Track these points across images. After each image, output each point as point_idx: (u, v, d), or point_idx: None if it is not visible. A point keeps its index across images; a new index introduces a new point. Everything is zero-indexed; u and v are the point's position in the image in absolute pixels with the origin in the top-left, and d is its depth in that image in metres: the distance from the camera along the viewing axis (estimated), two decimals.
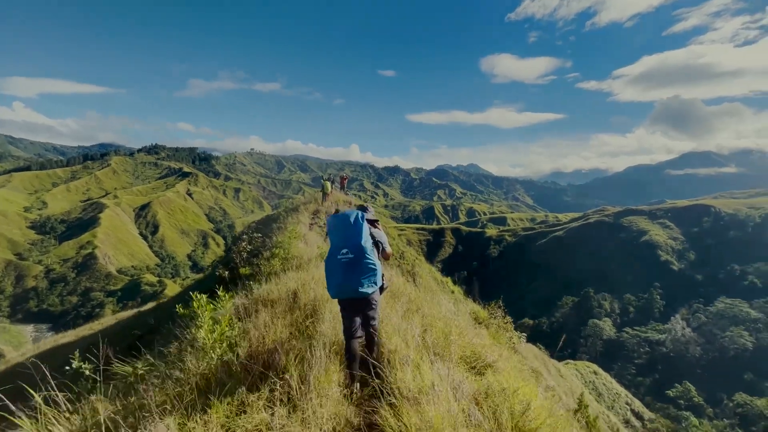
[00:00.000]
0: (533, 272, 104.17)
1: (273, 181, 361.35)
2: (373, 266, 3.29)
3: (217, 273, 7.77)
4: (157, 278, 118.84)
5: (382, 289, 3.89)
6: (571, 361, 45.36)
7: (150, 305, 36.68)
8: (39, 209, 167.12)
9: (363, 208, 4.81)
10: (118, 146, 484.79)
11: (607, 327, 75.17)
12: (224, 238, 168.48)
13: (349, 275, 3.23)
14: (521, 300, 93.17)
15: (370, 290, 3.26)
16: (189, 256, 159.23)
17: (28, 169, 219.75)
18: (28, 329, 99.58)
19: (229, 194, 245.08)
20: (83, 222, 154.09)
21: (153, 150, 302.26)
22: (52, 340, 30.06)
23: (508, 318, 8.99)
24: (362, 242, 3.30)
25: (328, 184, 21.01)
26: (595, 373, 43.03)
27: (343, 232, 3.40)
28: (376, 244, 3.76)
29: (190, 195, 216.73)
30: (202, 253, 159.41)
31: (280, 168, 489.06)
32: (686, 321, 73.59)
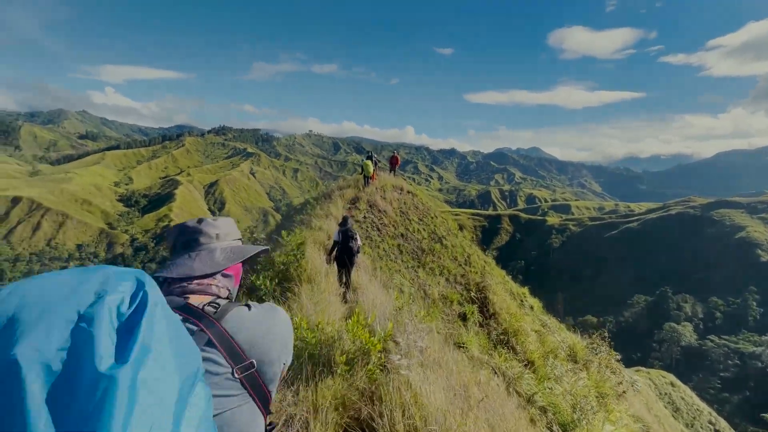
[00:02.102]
0: (600, 266, 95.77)
1: (329, 162, 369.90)
2: None
3: None
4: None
5: None
6: (643, 369, 40.72)
7: None
8: (126, 184, 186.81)
9: (345, 222, 6.64)
10: (191, 127, 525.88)
11: (687, 333, 66.80)
12: (282, 216, 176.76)
13: None
14: (584, 295, 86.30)
15: None
16: (251, 232, 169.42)
17: (117, 148, 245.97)
18: None
19: (288, 174, 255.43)
20: (161, 197, 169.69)
21: (221, 131, 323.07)
22: None
23: (614, 353, 6.97)
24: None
25: (370, 164, 16.36)
26: (672, 384, 38.16)
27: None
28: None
29: (253, 174, 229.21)
30: (263, 230, 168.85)
31: (337, 149, 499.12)
32: None
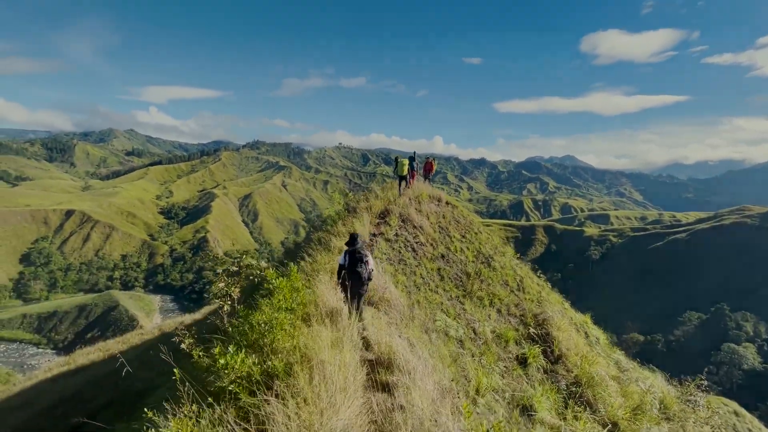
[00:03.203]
0: (644, 280, 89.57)
1: (358, 174, 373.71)
2: None
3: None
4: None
5: None
6: (701, 394, 36.97)
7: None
8: (167, 197, 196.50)
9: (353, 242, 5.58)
10: (227, 142, 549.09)
11: (749, 355, 60.54)
12: (306, 230, 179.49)
13: None
14: (627, 311, 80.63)
15: None
16: (282, 243, 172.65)
17: (159, 163, 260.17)
18: (156, 299, 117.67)
19: (318, 186, 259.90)
20: (198, 209, 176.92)
21: (255, 145, 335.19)
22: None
23: (712, 406, 5.83)
24: None
25: (406, 163, 14.22)
26: (737, 413, 34.43)
27: None
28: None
29: (284, 187, 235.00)
30: (293, 241, 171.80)
31: (365, 161, 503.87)
32: None
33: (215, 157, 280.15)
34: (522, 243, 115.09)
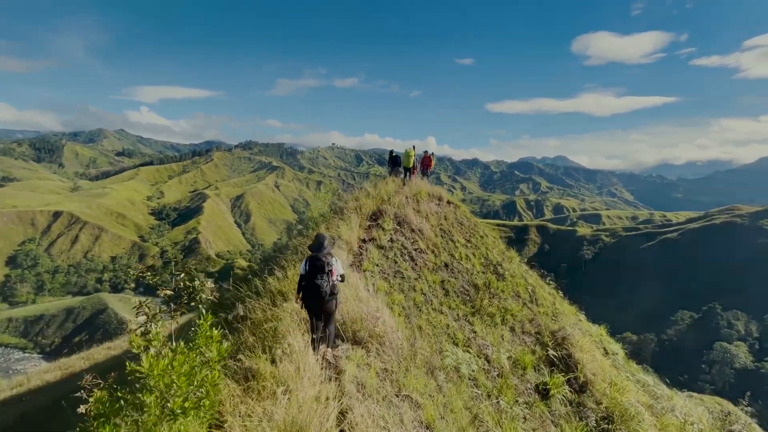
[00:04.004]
0: (637, 280, 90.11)
1: (352, 174, 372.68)
2: None
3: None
4: (248, 263, 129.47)
5: None
6: (695, 394, 37.08)
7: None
8: (158, 198, 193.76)
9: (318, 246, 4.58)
10: (219, 143, 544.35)
11: (741, 354, 61.06)
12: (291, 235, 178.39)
13: None
14: (622, 310, 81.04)
15: None
16: (275, 244, 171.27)
17: (150, 164, 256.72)
18: (147, 302, 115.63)
19: (311, 187, 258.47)
20: (190, 210, 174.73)
21: (247, 146, 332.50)
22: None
23: None
24: None
25: (412, 154, 13.67)
26: (730, 413, 34.39)
27: None
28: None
29: (277, 187, 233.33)
30: (286, 242, 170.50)
31: (359, 161, 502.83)
32: None
33: (207, 157, 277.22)
34: (515, 243, 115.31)
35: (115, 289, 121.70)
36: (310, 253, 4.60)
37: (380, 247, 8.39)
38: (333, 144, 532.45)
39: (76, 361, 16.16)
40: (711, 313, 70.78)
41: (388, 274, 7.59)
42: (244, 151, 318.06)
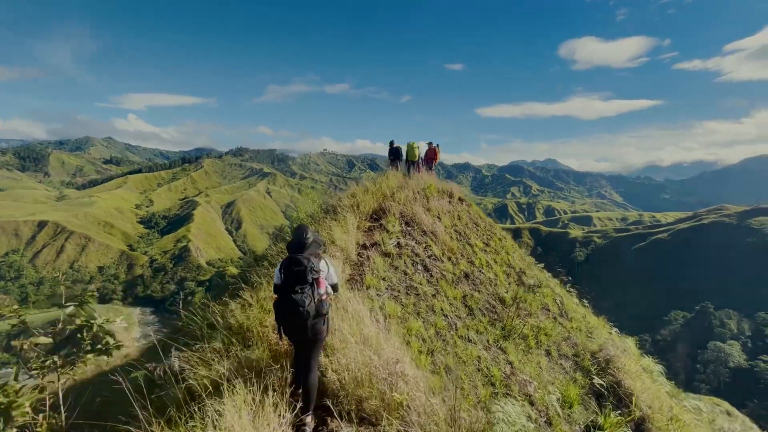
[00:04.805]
0: (630, 280, 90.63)
1: (344, 180, 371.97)
2: None
3: None
4: (240, 271, 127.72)
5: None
6: (692, 394, 36.92)
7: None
8: (147, 206, 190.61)
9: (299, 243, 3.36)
10: (210, 150, 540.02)
11: (735, 353, 61.44)
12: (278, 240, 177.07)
13: None
14: (615, 311, 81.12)
15: None
16: (266, 251, 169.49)
17: (139, 171, 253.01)
18: (136, 311, 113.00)
19: (303, 193, 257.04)
20: (180, 218, 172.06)
21: (238, 152, 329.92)
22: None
23: None
24: None
25: (416, 146, 12.91)
26: (729, 413, 34.36)
27: None
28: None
29: (269, 193, 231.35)
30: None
31: (351, 167, 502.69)
32: None
33: (197, 164, 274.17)
34: None
35: (103, 299, 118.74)
36: (288, 254, 3.37)
37: (386, 255, 6.77)
38: (324, 150, 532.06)
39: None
40: (704, 312, 71.31)
41: (398, 291, 6.01)
42: (235, 157, 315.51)
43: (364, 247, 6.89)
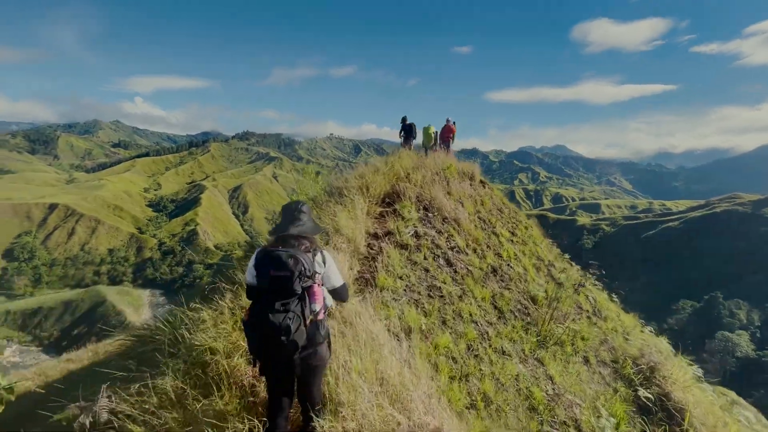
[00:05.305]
0: (638, 269, 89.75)
1: (350, 165, 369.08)
2: None
3: None
4: (245, 254, 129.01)
5: None
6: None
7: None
8: (155, 190, 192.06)
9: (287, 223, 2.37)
10: (216, 133, 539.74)
11: (743, 342, 60.94)
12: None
13: None
14: (622, 300, 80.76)
15: None
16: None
17: (147, 155, 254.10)
18: (145, 293, 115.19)
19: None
20: (188, 201, 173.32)
21: (244, 136, 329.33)
22: None
23: None
24: None
25: (433, 130, 12.37)
26: (735, 402, 34.16)
27: None
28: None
29: (275, 178, 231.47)
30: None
31: (357, 152, 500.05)
32: None
33: (204, 148, 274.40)
34: None
35: (113, 281, 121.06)
36: (268, 238, 2.48)
37: (402, 246, 5.73)
38: (331, 134, 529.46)
39: (84, 354, 15.21)
40: (713, 302, 70.57)
41: (419, 293, 4.99)
42: (241, 141, 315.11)
43: (376, 236, 5.83)
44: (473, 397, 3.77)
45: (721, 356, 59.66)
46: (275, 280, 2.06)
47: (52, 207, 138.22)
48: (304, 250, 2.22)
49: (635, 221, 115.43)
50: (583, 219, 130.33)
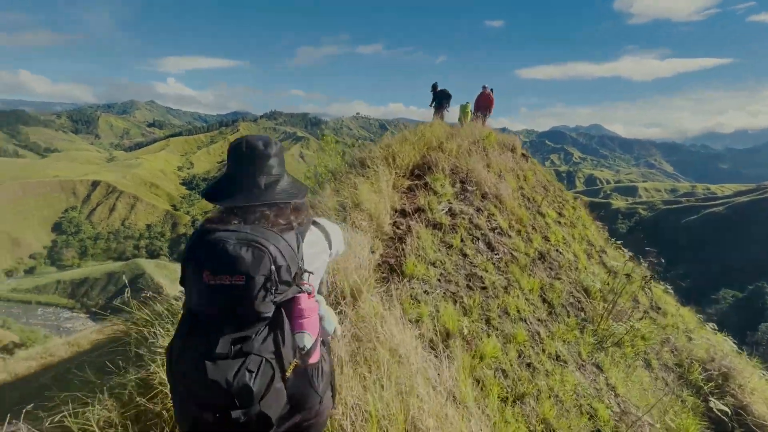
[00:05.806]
0: (677, 256, 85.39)
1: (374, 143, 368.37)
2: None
3: None
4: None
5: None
6: None
7: None
8: (188, 168, 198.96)
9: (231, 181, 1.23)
10: (245, 113, 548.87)
11: None
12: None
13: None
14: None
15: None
16: None
17: (180, 134, 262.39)
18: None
19: None
20: None
21: (272, 116, 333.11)
22: None
23: None
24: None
25: (470, 107, 11.67)
26: None
27: None
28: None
29: (302, 158, 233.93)
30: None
31: (383, 131, 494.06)
32: None
33: (234, 128, 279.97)
34: None
35: (151, 255, 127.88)
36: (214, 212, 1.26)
37: (434, 226, 4.76)
38: (357, 114, 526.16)
39: (61, 348, 15.99)
40: (758, 292, 66.41)
41: (457, 284, 4.03)
42: (269, 121, 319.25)
43: (403, 213, 4.83)
44: (532, 427, 2.88)
45: (764, 348, 56.52)
46: (216, 295, 1.01)
47: (95, 184, 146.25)
48: (279, 230, 1.13)
49: (676, 205, 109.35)
50: (618, 202, 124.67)
